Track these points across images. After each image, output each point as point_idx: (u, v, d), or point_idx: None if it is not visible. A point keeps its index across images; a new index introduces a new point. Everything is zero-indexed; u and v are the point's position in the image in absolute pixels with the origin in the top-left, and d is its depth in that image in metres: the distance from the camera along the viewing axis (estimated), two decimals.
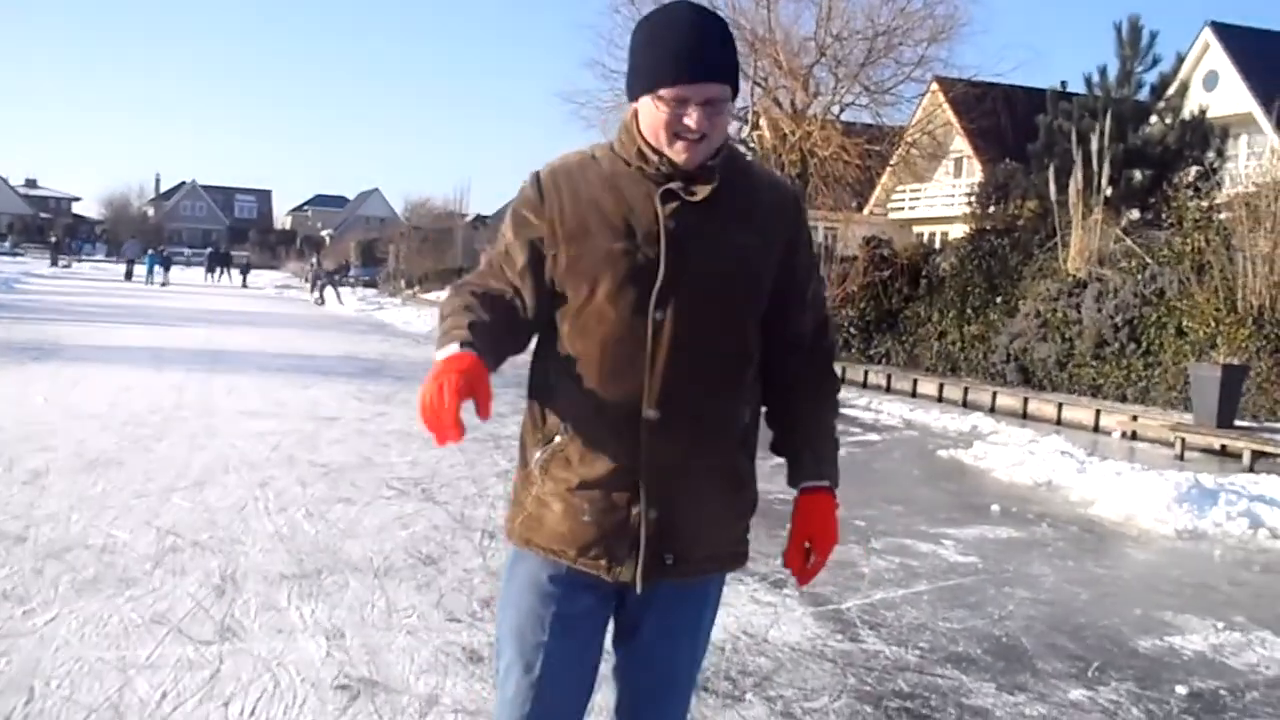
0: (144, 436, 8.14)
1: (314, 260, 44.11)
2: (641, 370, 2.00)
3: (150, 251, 45.57)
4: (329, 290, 36.72)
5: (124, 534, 5.34)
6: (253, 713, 3.40)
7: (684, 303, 2.01)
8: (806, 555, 2.17)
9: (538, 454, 2.09)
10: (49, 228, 74.45)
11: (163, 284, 39.74)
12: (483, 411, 1.91)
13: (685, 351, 2.01)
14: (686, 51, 2.00)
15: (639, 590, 2.06)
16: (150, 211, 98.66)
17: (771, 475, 2.25)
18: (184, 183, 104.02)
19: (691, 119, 2.00)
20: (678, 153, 2.03)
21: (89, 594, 4.40)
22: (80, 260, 66.47)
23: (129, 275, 43.19)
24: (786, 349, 2.17)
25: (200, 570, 4.82)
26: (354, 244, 65.23)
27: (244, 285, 46.05)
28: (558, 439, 2.07)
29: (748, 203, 2.11)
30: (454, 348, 1.92)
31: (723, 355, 2.07)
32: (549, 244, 2.06)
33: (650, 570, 2.05)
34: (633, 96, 2.09)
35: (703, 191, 2.05)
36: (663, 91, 2.00)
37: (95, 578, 4.61)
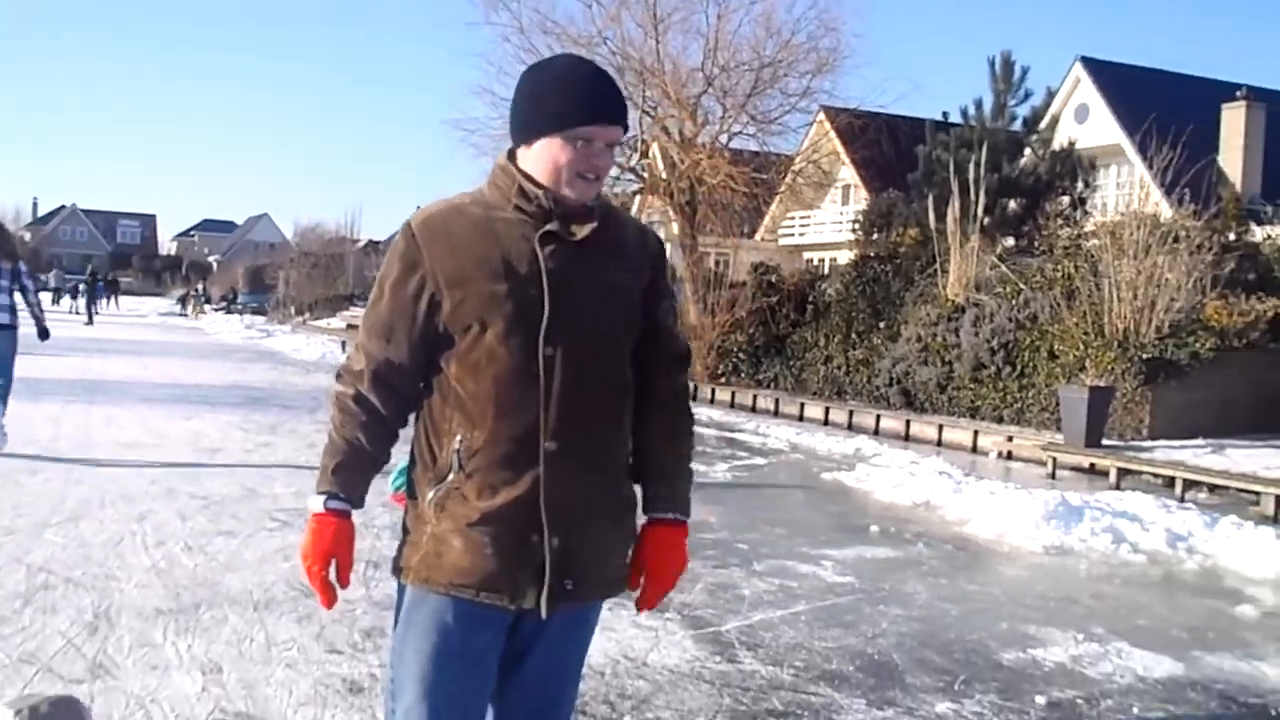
0: (15, 470, 7.90)
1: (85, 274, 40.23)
2: (536, 404, 2.07)
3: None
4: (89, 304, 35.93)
5: None
6: None
7: (571, 338, 2.09)
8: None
9: (430, 493, 2.13)
10: None
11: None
12: (342, 579, 2.16)
13: (577, 385, 2.09)
14: (598, 96, 2.11)
15: (544, 616, 2.12)
16: (27, 236, 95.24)
17: None
18: (63, 206, 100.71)
19: (600, 159, 2.12)
20: (577, 190, 2.11)
21: None
22: None
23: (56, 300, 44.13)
24: (646, 379, 2.27)
25: (72, 607, 4.73)
26: (242, 270, 63.84)
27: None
28: (451, 477, 2.11)
29: (619, 241, 2.21)
30: (319, 504, 2.14)
31: (609, 386, 2.16)
32: (432, 291, 2.11)
33: (554, 596, 2.12)
34: (530, 138, 2.14)
35: (582, 231, 2.13)
36: (578, 130, 2.09)
37: None
